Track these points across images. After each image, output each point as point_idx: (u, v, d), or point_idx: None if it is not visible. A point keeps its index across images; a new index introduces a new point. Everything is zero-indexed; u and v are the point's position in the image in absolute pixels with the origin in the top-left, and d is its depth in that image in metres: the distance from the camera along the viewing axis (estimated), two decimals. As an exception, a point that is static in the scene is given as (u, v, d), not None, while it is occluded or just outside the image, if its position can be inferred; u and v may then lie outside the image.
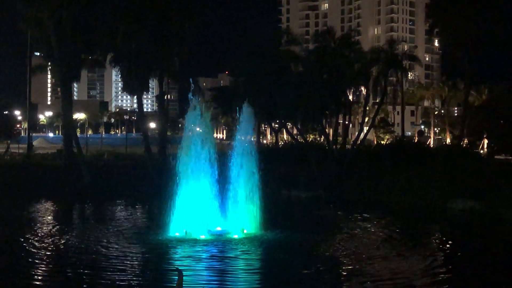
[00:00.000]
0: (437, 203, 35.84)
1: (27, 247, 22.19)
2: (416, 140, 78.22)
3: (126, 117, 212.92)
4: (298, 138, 56.09)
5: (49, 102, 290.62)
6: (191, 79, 25.92)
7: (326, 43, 50.22)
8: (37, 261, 20.02)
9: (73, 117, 61.89)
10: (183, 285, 8.37)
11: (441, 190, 36.90)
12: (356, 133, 60.89)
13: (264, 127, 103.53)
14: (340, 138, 54.41)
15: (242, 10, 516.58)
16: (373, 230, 27.94)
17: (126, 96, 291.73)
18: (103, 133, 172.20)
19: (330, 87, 46.73)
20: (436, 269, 19.58)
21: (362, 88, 55.02)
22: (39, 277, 18.15)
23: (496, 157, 50.66)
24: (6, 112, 71.79)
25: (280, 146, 63.80)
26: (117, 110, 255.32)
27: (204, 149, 24.57)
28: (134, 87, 51.08)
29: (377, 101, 57.36)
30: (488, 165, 42.44)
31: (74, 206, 38.57)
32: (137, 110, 67.35)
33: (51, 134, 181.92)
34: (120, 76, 55.91)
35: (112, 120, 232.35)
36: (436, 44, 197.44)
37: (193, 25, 51.93)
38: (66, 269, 19.52)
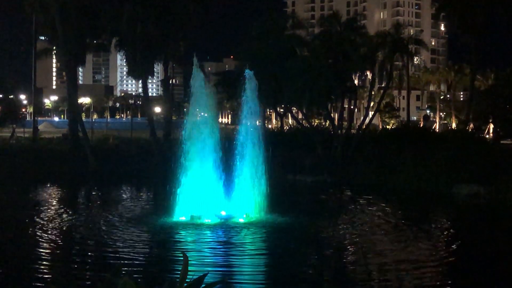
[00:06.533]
0: (443, 188, 35.79)
1: (32, 231, 22.28)
2: (421, 125, 78.02)
3: (131, 101, 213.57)
4: (304, 123, 56.01)
5: (54, 86, 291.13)
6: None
7: (331, 27, 49.95)
8: (42, 244, 20.08)
9: (78, 101, 61.88)
10: (189, 269, 8.35)
11: (446, 175, 36.82)
12: (362, 117, 60.75)
13: (270, 112, 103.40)
14: (345, 123, 54.28)
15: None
16: (378, 214, 27.93)
17: (131, 81, 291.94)
18: (108, 117, 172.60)
19: (335, 71, 46.56)
20: (441, 253, 19.56)
21: (368, 73, 54.81)
22: (44, 261, 18.20)
23: (502, 142, 50.53)
24: (11, 96, 71.87)
25: (285, 130, 63.72)
26: (122, 94, 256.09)
27: (209, 132, 24.59)
28: (139, 71, 51.08)
29: (383, 85, 57.18)
30: (494, 150, 42.33)
31: (79, 190, 38.70)
32: (142, 94, 67.46)
33: (56, 118, 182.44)
34: (125, 60, 55.99)
35: (117, 104, 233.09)
36: (442, 28, 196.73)
37: (198, 9, 51.70)
38: (70, 252, 19.60)
